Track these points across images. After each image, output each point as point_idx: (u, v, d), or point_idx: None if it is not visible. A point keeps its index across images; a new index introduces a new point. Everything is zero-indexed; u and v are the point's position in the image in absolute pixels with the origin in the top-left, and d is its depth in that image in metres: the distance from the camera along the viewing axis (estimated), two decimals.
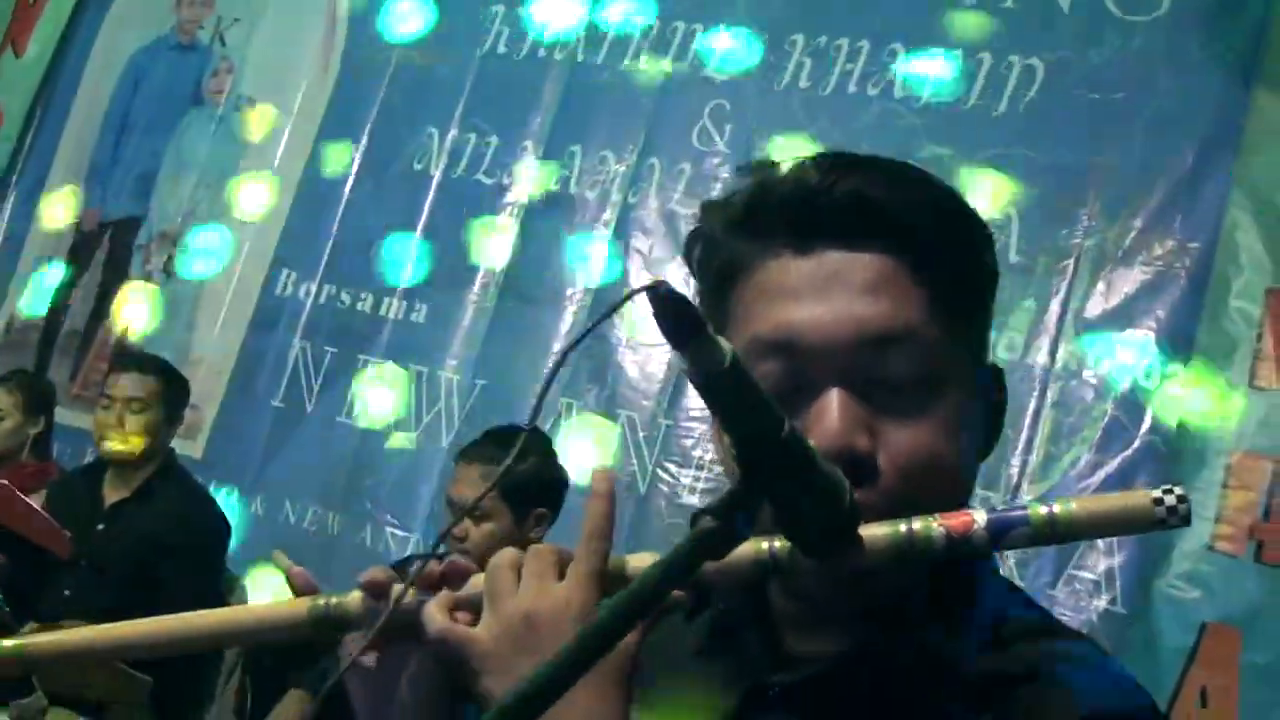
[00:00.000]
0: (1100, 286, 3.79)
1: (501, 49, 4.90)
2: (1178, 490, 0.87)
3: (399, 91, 5.05)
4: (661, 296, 0.75)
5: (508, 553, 0.97)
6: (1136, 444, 3.62)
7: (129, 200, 5.53)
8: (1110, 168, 3.83)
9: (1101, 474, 3.62)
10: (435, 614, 0.97)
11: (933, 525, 0.89)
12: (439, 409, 4.59)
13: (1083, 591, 3.53)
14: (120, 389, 3.93)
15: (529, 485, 3.19)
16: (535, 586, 0.93)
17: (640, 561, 0.96)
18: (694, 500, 4.06)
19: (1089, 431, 3.66)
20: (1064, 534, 0.89)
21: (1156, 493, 0.88)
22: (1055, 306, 3.79)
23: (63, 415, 4.76)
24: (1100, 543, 3.58)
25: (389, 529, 4.54)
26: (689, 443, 4.18)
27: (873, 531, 0.89)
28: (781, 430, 0.81)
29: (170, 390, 3.99)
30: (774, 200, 1.00)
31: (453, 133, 4.89)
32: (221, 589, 3.99)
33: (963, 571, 1.00)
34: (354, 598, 1.02)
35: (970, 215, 1.03)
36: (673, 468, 4.17)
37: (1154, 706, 0.95)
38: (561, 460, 3.53)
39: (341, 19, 5.28)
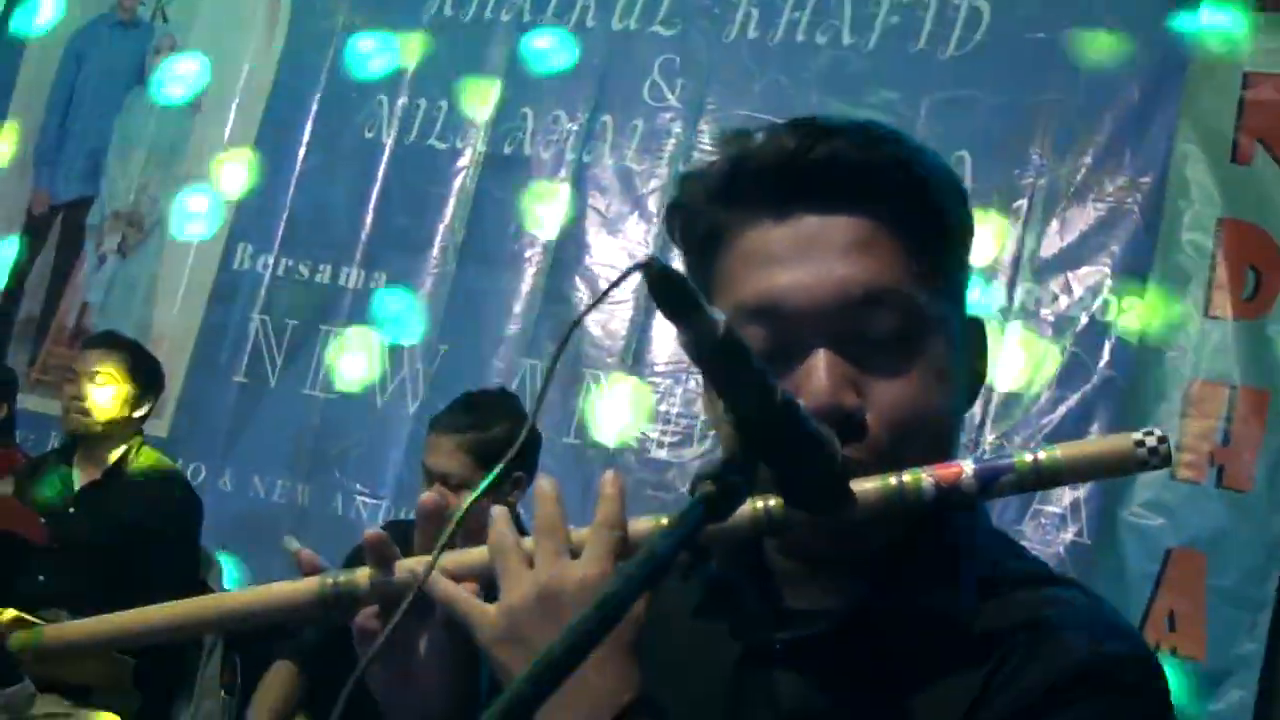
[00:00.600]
0: (1054, 225, 3.84)
1: (449, 12, 4.87)
2: (1158, 432, 0.91)
3: (347, 59, 5.02)
4: (656, 273, 0.77)
5: (509, 532, 0.99)
6: (1096, 379, 3.68)
7: (79, 181, 5.47)
8: (1058, 106, 3.88)
9: (1063, 409, 3.68)
10: (448, 587, 0.99)
11: (922, 477, 0.92)
12: (403, 375, 4.60)
13: (1049, 525, 3.60)
14: (86, 364, 3.89)
15: (504, 451, 3.19)
16: (555, 563, 0.95)
17: (641, 526, 0.98)
18: (663, 455, 4.10)
19: (1049, 368, 3.71)
20: (1049, 479, 0.93)
21: (1137, 435, 0.91)
22: (1011, 246, 3.83)
23: (24, 400, 4.74)
24: None
25: (359, 497, 4.55)
26: (655, 398, 4.21)
27: (864, 485, 0.93)
28: (775, 396, 0.84)
29: (138, 367, 3.95)
30: (751, 169, 1.02)
31: (402, 99, 4.87)
32: (197, 567, 3.99)
33: (956, 524, 1.02)
34: (361, 574, 1.04)
35: (943, 172, 1.05)
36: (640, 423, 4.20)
37: (1145, 647, 0.99)
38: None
39: None
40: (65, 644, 1.07)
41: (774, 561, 1.07)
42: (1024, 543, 3.28)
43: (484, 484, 1.03)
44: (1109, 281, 3.75)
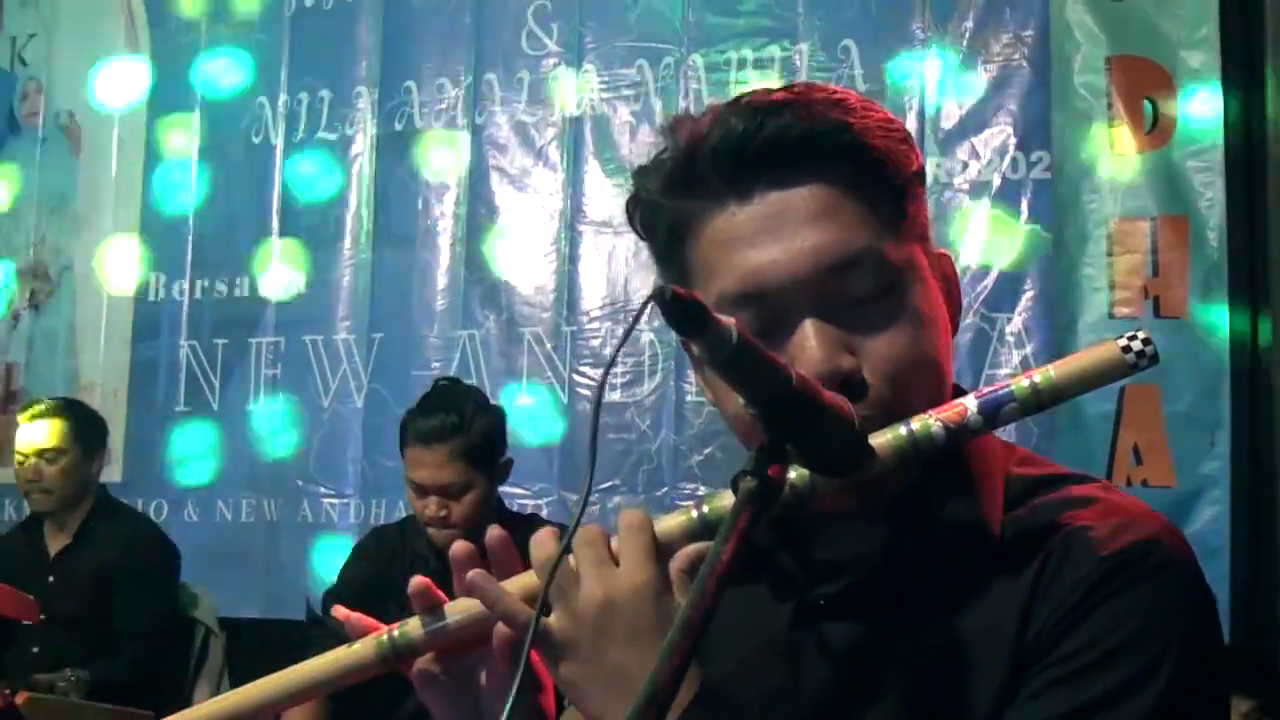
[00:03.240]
0: (949, 94, 3.88)
1: (309, 2, 4.81)
2: (1141, 334, 0.95)
3: (219, 69, 4.94)
4: (667, 300, 0.80)
5: (548, 537, 1.01)
6: (1021, 234, 3.74)
7: None
8: None
9: (995, 272, 3.75)
10: (510, 604, 1.00)
11: (930, 422, 0.97)
12: (343, 370, 4.58)
13: None
14: (29, 442, 3.88)
15: (489, 442, 3.20)
16: (601, 574, 0.97)
17: (669, 524, 1.01)
18: (617, 397, 4.10)
19: (976, 235, 3.77)
20: (1049, 400, 0.96)
21: (1122, 340, 0.95)
22: (912, 123, 3.86)
23: None
24: (1009, 334, 3.72)
25: (325, 500, 4.54)
26: (596, 342, 4.23)
27: (879, 440, 0.96)
28: (791, 380, 0.88)
29: (80, 428, 3.95)
30: (705, 155, 1.04)
31: (283, 98, 4.81)
32: (179, 609, 3.98)
33: (964, 447, 1.06)
34: (413, 624, 1.06)
35: (888, 123, 1.08)
36: (588, 370, 4.22)
37: (1166, 525, 1.03)
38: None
39: (138, 9, 5.14)
40: None
41: (801, 519, 1.10)
42: None
43: (570, 529, 1.00)
44: (1013, 139, 3.81)
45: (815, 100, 1.05)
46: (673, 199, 1.07)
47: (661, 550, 1.00)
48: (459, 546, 1.06)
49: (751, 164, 1.03)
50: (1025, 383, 0.96)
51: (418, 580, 1.06)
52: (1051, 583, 1.00)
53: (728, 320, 0.84)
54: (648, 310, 0.83)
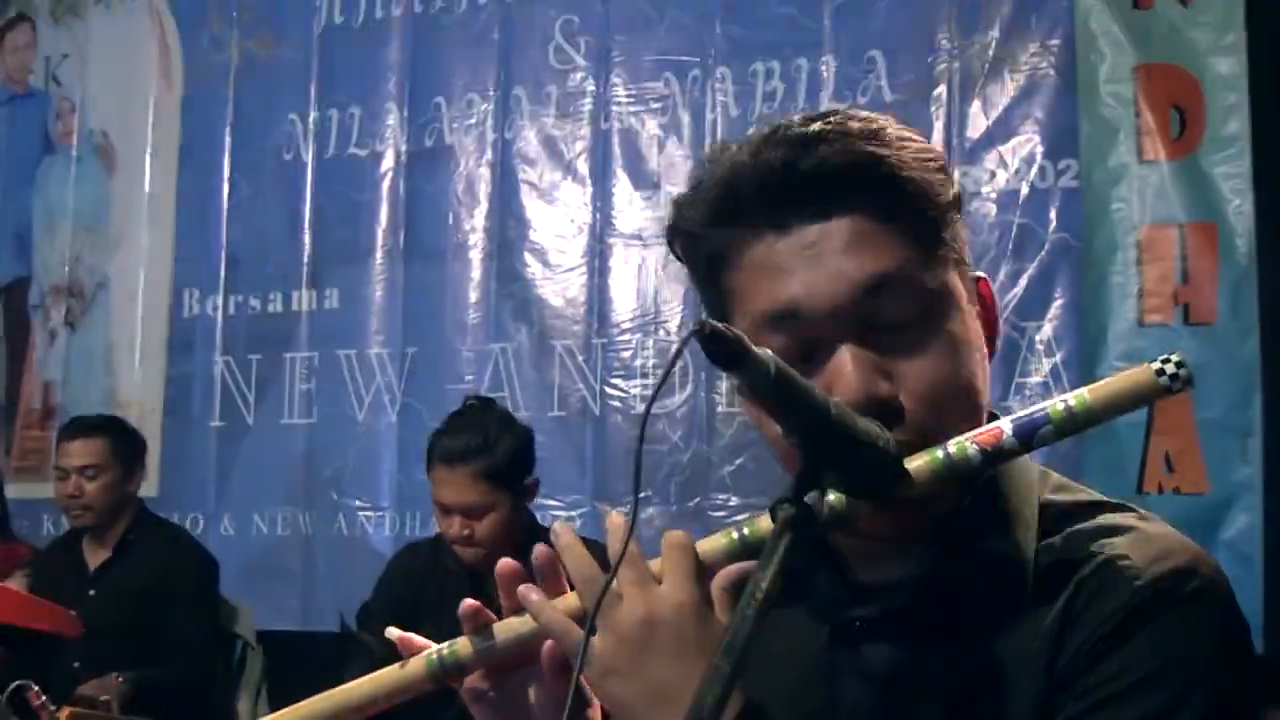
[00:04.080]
0: (975, 105, 3.90)
1: (338, 20, 4.86)
2: (1175, 357, 0.96)
3: (249, 87, 5.00)
4: (707, 336, 0.83)
5: (595, 570, 1.03)
6: (1048, 244, 3.75)
7: (11, 262, 5.44)
8: None
9: (1024, 280, 3.75)
10: (553, 620, 1.03)
11: (967, 445, 0.98)
12: (377, 384, 4.62)
13: (1033, 396, 3.68)
14: (71, 458, 3.94)
15: (517, 464, 3.22)
16: (643, 594, 0.99)
17: (711, 545, 1.03)
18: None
19: (1002, 243, 3.78)
20: (1083, 423, 0.98)
21: (1156, 365, 0.96)
22: (938, 134, 3.88)
23: (8, 490, 4.73)
24: (1039, 343, 3.73)
25: (361, 513, 4.58)
26: (627, 354, 4.26)
27: (915, 463, 0.98)
28: (829, 409, 0.91)
29: (120, 444, 4.00)
30: (744, 188, 1.07)
31: (313, 115, 4.86)
32: (220, 622, 4.03)
33: (1001, 473, 1.08)
34: (463, 644, 1.09)
35: (923, 153, 1.09)
36: (619, 382, 4.25)
37: (1201, 554, 1.04)
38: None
39: (170, 28, 5.20)
40: None
41: (840, 542, 1.12)
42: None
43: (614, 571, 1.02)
44: (1040, 148, 3.82)
45: (851, 132, 1.07)
46: (712, 230, 1.10)
47: (702, 571, 1.02)
48: (504, 564, 1.09)
49: (788, 198, 1.06)
50: (1060, 406, 0.98)
51: (468, 603, 1.09)
52: (1085, 610, 1.01)
53: (767, 353, 0.86)
54: (680, 326, 0.86)
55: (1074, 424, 0.98)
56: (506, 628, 1.08)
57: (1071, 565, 1.04)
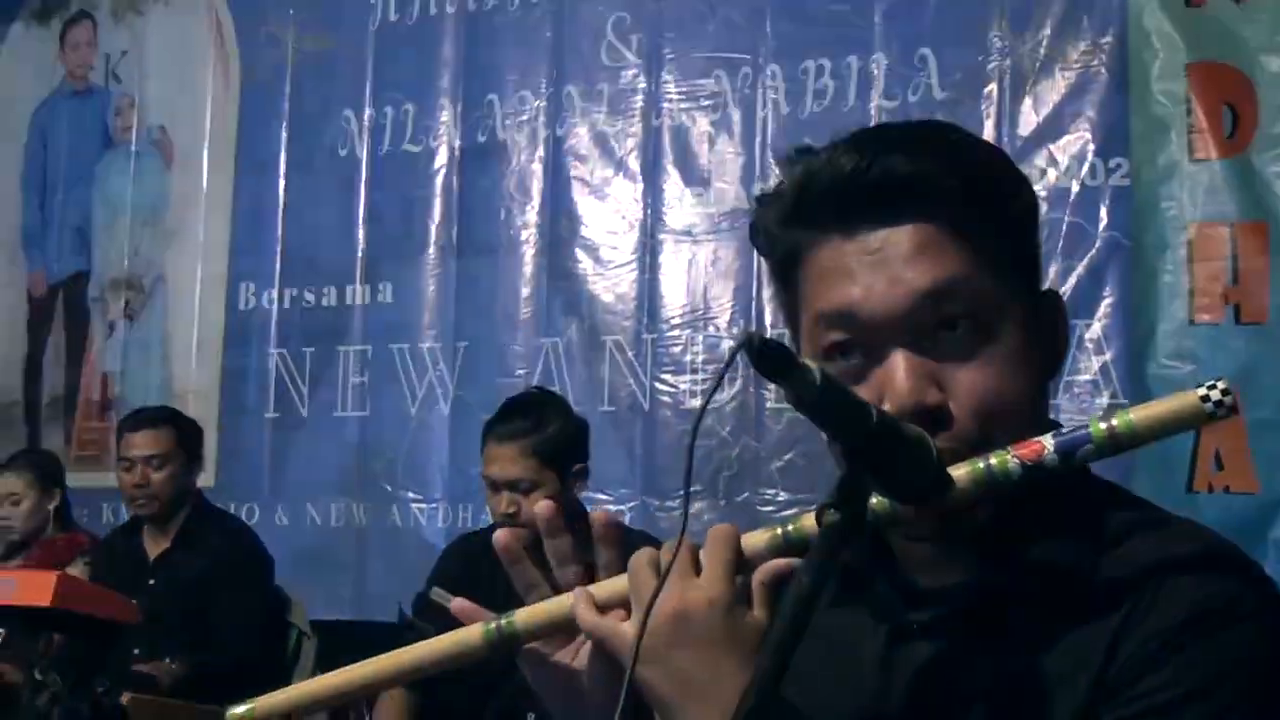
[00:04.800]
0: (1027, 102, 3.90)
1: (393, 17, 4.92)
2: (1220, 384, 0.96)
3: (305, 83, 5.07)
4: (755, 347, 0.86)
5: (645, 552, 1.08)
6: (1099, 242, 3.75)
7: (71, 256, 5.54)
8: None
9: (1073, 279, 3.75)
10: (585, 613, 1.09)
11: (1008, 457, 1.00)
12: (429, 378, 4.68)
13: (1083, 394, 3.69)
14: (137, 449, 4.02)
15: (565, 445, 3.30)
16: (679, 584, 1.03)
17: (755, 539, 1.07)
18: (697, 404, 4.16)
19: (1052, 242, 3.78)
20: (1125, 445, 0.99)
21: (1201, 390, 0.96)
22: (989, 131, 3.88)
23: (68, 479, 4.82)
24: (1088, 341, 3.73)
25: (413, 504, 4.65)
26: (677, 350, 4.29)
27: (957, 471, 1.00)
28: (872, 417, 0.94)
29: (184, 435, 4.09)
30: (816, 191, 1.09)
31: (368, 111, 4.91)
32: (280, 610, 4.10)
33: (1064, 484, 1.07)
34: (520, 614, 1.14)
35: (994, 163, 1.12)
36: (669, 377, 4.29)
37: (1258, 573, 1.05)
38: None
39: (228, 26, 5.28)
40: (274, 712, 1.20)
41: (900, 547, 1.14)
42: (1062, 414, 3.38)
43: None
44: (1091, 145, 3.82)
45: (928, 140, 1.09)
46: (785, 231, 1.13)
47: (745, 565, 1.06)
48: (543, 505, 1.17)
49: (856, 203, 1.07)
50: (1103, 426, 0.99)
51: (525, 574, 1.17)
52: (1139, 624, 1.02)
53: (812, 364, 0.89)
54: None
55: (1115, 445, 0.99)
56: (559, 604, 1.13)
57: (1129, 580, 1.04)
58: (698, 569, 1.05)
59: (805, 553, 1.01)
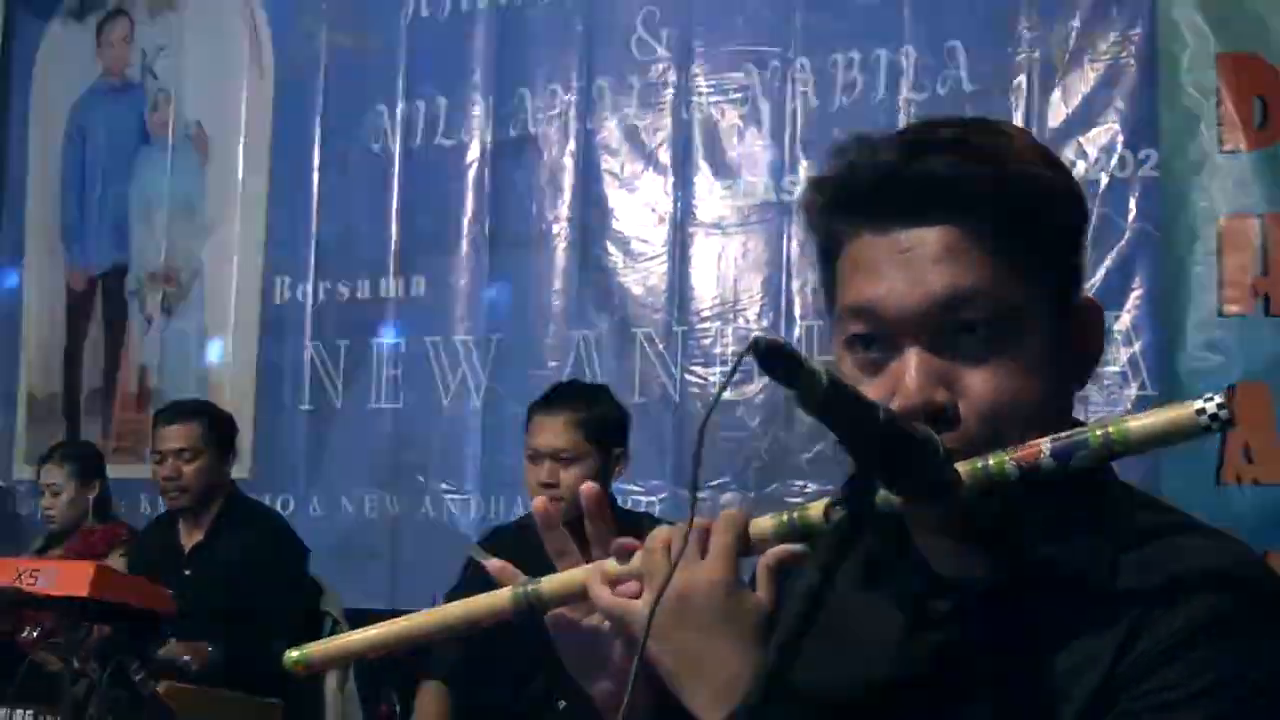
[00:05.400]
0: (1056, 94, 3.91)
1: (425, 13, 4.95)
2: (1218, 398, 0.97)
3: (339, 78, 5.11)
4: (761, 351, 0.89)
5: (660, 532, 1.12)
6: (1129, 234, 3.76)
7: (109, 250, 5.60)
8: None
9: (1102, 271, 3.75)
10: (599, 590, 1.14)
11: (1005, 459, 1.02)
12: (462, 371, 4.72)
13: (1113, 385, 3.69)
14: (169, 442, 4.07)
15: (610, 426, 3.36)
16: (685, 568, 1.07)
17: (763, 524, 1.11)
18: (728, 395, 4.18)
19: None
20: (1119, 452, 1.00)
21: (1198, 403, 0.97)
22: (1018, 123, 3.87)
23: (107, 471, 4.88)
24: (1117, 333, 3.73)
25: (447, 496, 4.69)
26: (708, 342, 4.32)
27: (958, 470, 1.02)
28: (878, 416, 0.96)
29: (216, 429, 4.13)
30: (856, 185, 1.11)
31: (401, 105, 4.95)
32: (312, 598, 4.14)
33: (1086, 484, 1.08)
34: (546, 581, 1.18)
35: (1041, 178, 1.11)
36: (699, 369, 4.32)
37: (1269, 584, 1.06)
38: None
39: (262, 22, 5.33)
40: (324, 659, 1.31)
41: (920, 537, 1.16)
42: (1091, 405, 3.37)
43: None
44: (1120, 137, 3.82)
45: (972, 143, 1.10)
46: (826, 219, 1.15)
47: (754, 548, 1.11)
48: (589, 486, 1.23)
49: (891, 201, 1.09)
50: (1099, 433, 1.00)
51: (557, 541, 1.21)
52: (1153, 625, 1.03)
53: (819, 367, 0.91)
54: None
55: (1109, 453, 1.00)
56: (582, 573, 1.17)
57: (1146, 580, 1.05)
58: (705, 552, 1.09)
59: (811, 538, 1.06)
